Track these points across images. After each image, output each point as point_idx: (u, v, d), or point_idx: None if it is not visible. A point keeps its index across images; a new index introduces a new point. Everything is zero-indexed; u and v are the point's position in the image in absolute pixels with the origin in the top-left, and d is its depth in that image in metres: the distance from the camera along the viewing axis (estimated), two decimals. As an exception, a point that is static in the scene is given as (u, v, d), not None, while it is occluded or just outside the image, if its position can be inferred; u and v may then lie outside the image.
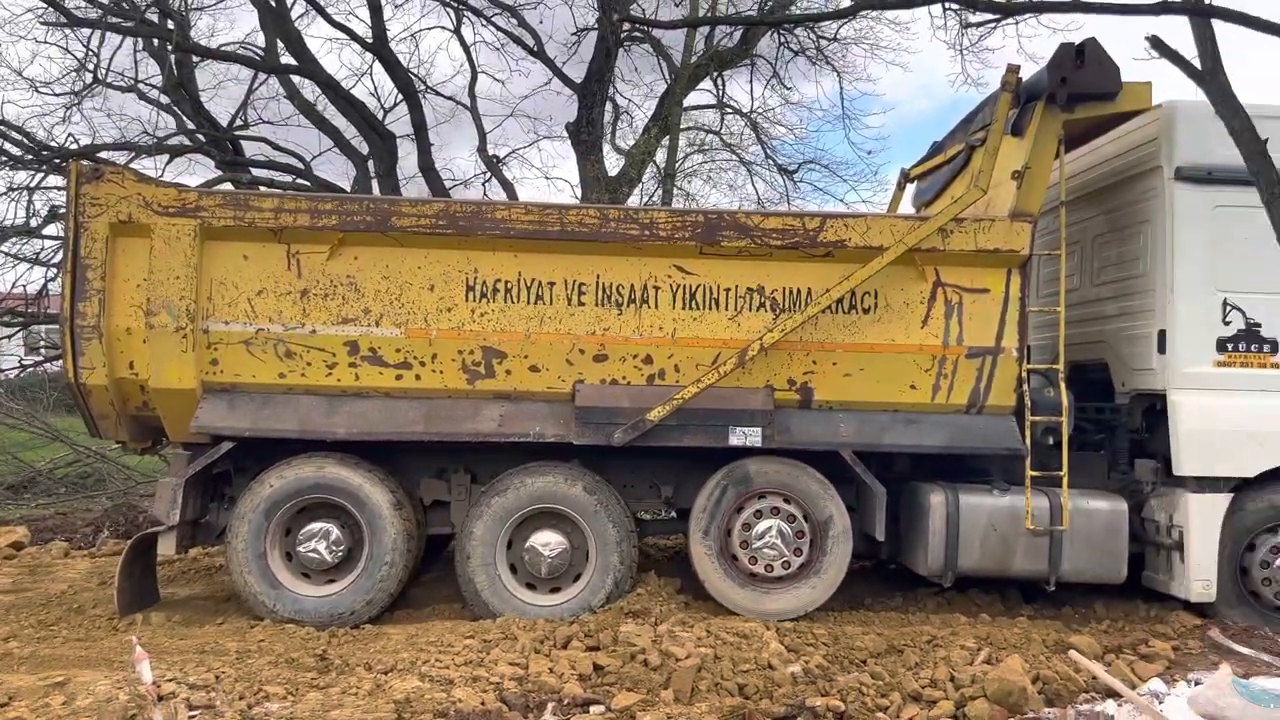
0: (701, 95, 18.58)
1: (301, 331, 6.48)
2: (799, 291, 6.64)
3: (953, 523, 6.63)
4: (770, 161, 18.73)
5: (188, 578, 8.22)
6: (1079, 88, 6.60)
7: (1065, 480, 6.64)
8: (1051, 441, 6.73)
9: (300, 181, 15.79)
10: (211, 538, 6.97)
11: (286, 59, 15.02)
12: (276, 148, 16.31)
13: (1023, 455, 6.64)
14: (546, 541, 6.59)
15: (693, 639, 5.67)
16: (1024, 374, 6.69)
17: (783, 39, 16.62)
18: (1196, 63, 3.89)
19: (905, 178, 9.02)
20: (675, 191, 17.70)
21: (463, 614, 6.76)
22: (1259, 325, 6.82)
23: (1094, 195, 7.79)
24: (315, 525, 6.53)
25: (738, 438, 6.50)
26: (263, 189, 14.12)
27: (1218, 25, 3.78)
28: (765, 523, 6.66)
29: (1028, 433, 6.64)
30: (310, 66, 14.53)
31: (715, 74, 17.34)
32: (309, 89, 15.97)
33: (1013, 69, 6.80)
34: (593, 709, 4.87)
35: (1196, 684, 4.87)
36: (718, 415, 6.50)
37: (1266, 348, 6.82)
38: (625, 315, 6.63)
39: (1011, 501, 6.68)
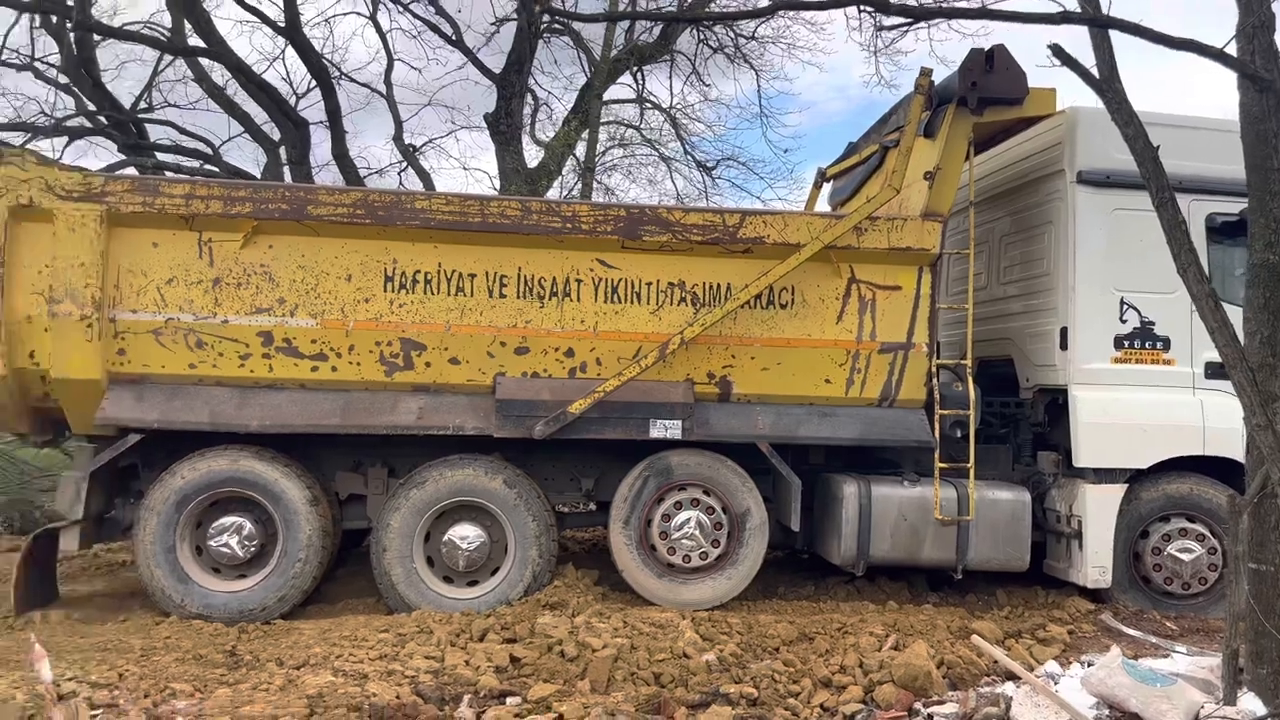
0: (622, 89, 18.67)
1: (213, 321, 6.31)
2: (719, 287, 6.73)
3: (865, 513, 6.80)
4: (689, 157, 18.92)
5: (89, 574, 7.94)
6: (988, 92, 6.83)
7: (972, 472, 6.87)
8: (959, 434, 6.95)
9: (208, 167, 15.38)
10: (116, 533, 6.73)
11: (194, 40, 14.56)
12: (184, 132, 15.87)
13: (932, 447, 6.84)
14: (465, 535, 6.55)
15: (610, 629, 5.71)
16: (933, 369, 6.90)
17: (702, 36, 16.77)
18: (1096, 71, 4.08)
19: (822, 177, 9.19)
20: (595, 185, 17.73)
21: (377, 608, 6.69)
22: (1153, 323, 7.15)
23: (1001, 197, 8.07)
24: (228, 519, 6.37)
25: (658, 430, 6.56)
26: (171, 175, 13.68)
27: (1115, 36, 3.98)
28: (684, 514, 6.74)
29: (937, 426, 6.85)
30: (219, 49, 14.12)
31: (635, 68, 17.42)
32: (218, 72, 15.53)
33: (925, 72, 6.99)
34: (509, 700, 4.87)
35: (1089, 665, 5.10)
36: (639, 408, 6.55)
37: (1159, 345, 7.16)
38: (547, 308, 6.62)
39: (921, 492, 6.88)
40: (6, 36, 14.68)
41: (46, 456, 12.26)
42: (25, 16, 14.35)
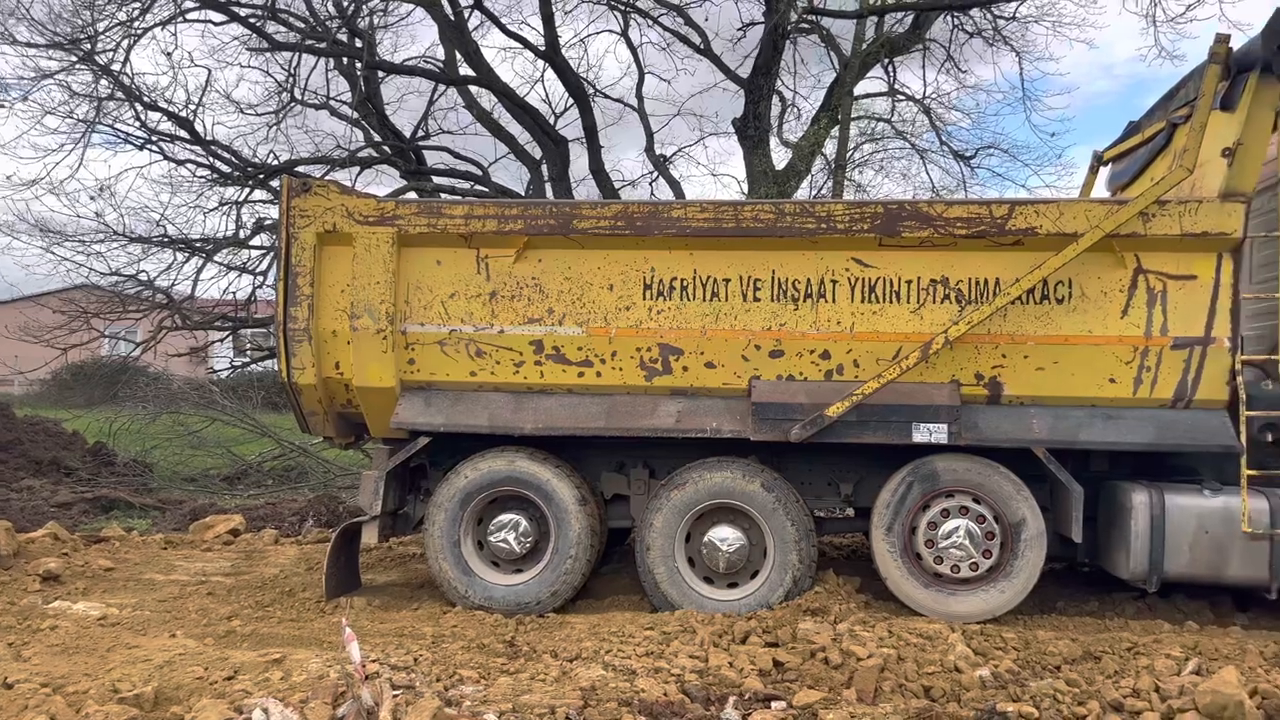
0: (871, 83, 18.21)
1: (490, 331, 6.74)
2: (986, 282, 6.39)
3: (1158, 524, 6.22)
4: (945, 148, 18.17)
5: (384, 565, 8.68)
6: (1300, 55, 6.06)
7: (1287, 480, 6.12)
8: (1270, 438, 6.21)
9: (478, 188, 16.46)
10: (409, 528, 7.34)
11: (465, 70, 15.68)
12: (457, 156, 17.06)
13: (1238, 453, 6.16)
14: (724, 537, 6.61)
15: (874, 639, 5.58)
16: (1237, 366, 6.21)
17: (957, 21, 16.06)
18: None
19: (1099, 161, 8.54)
20: (845, 183, 17.40)
21: (641, 605, 6.87)
22: None
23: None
24: (505, 516, 6.78)
25: (922, 434, 6.33)
26: (446, 196, 14.78)
27: None
28: (952, 522, 6.45)
29: (1243, 428, 6.16)
30: (487, 76, 15.14)
31: (886, 61, 16.94)
32: (485, 98, 16.62)
33: (1222, 39, 6.31)
34: (774, 705, 4.85)
35: None
36: (900, 411, 6.35)
37: None
38: (802, 310, 6.57)
39: (1225, 502, 6.20)
40: (307, 80, 16.50)
41: (348, 457, 13.67)
42: (322, 61, 16.06)
